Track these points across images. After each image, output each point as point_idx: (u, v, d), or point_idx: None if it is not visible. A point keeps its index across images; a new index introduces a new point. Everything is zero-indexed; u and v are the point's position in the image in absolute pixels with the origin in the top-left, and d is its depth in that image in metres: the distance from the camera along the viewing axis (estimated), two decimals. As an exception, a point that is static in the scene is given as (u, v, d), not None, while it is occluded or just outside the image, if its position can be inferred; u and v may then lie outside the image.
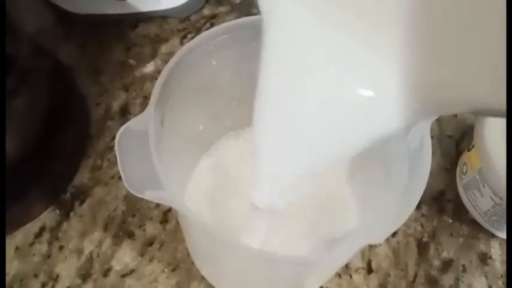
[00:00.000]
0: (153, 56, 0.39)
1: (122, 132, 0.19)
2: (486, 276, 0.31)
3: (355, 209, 0.23)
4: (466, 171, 0.32)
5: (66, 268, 0.30)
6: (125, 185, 0.18)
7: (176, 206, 0.18)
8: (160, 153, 0.19)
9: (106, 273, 0.30)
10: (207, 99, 0.26)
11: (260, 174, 0.17)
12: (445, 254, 0.31)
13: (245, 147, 0.26)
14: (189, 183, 0.26)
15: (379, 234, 0.17)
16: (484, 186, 0.30)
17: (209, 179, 0.24)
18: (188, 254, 0.30)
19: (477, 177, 0.30)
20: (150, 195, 0.18)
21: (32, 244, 0.31)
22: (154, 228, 0.31)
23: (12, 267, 0.30)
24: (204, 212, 0.19)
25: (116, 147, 0.18)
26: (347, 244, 0.17)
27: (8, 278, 0.29)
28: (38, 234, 0.31)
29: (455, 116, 0.37)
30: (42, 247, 0.30)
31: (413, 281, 0.30)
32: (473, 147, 0.31)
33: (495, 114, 0.13)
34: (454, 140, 0.36)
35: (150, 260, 0.30)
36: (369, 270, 0.31)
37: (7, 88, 0.27)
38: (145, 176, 0.18)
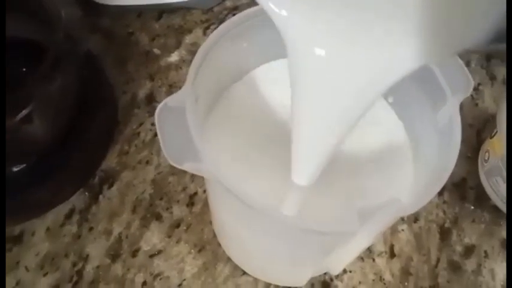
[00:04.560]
0: (177, 46, 0.40)
1: (161, 108, 0.20)
2: (508, 262, 0.31)
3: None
4: (488, 158, 0.32)
5: (96, 248, 0.31)
6: (166, 156, 0.19)
7: (213, 176, 0.18)
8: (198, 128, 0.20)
9: (134, 253, 0.30)
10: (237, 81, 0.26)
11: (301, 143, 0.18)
12: (467, 240, 0.32)
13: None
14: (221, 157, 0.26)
15: (410, 205, 0.18)
16: (507, 172, 0.30)
17: (241, 152, 0.25)
18: (214, 236, 0.31)
19: (500, 163, 0.31)
20: (188, 166, 0.19)
21: (62, 225, 0.31)
22: (181, 210, 0.32)
23: (43, 247, 0.31)
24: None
25: (156, 122, 0.19)
26: (380, 214, 0.18)
27: (39, 258, 0.30)
28: (68, 216, 0.32)
29: (476, 105, 0.37)
30: (72, 228, 0.31)
31: (436, 266, 0.31)
32: (495, 133, 0.31)
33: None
34: (475, 128, 0.36)
35: (177, 241, 0.31)
36: (392, 255, 0.31)
37: (42, 74, 0.28)
38: (183, 148, 0.19)
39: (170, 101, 0.20)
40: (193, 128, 0.19)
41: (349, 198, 0.21)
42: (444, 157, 0.19)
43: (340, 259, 0.26)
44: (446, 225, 0.32)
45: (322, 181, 0.19)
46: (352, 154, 0.24)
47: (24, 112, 0.25)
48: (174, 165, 0.19)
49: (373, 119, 0.25)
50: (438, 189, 0.18)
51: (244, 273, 0.30)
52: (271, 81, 0.27)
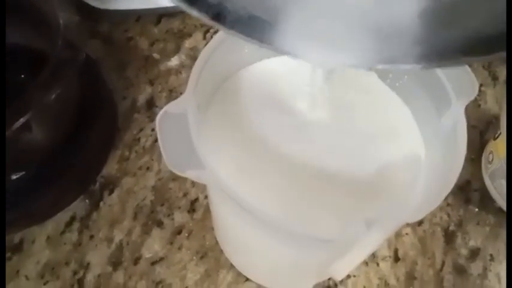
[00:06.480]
0: (177, 50, 0.39)
1: (162, 115, 0.19)
2: (514, 265, 0.31)
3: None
4: (492, 160, 0.32)
5: (97, 256, 0.30)
6: (167, 164, 0.18)
7: (215, 184, 0.18)
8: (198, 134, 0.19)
9: (136, 261, 0.30)
10: (236, 87, 0.26)
11: None
12: (472, 243, 0.31)
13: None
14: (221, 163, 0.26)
15: (416, 212, 0.18)
16: (511, 174, 0.30)
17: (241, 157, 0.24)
18: (216, 243, 0.30)
19: (504, 165, 0.30)
20: (190, 173, 0.18)
21: (62, 233, 0.31)
22: (183, 217, 0.31)
23: (43, 255, 0.30)
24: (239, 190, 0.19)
25: (157, 129, 0.19)
26: (385, 222, 0.17)
27: (39, 266, 0.30)
28: (69, 224, 0.31)
29: (479, 106, 0.37)
30: (72, 236, 0.31)
31: (441, 269, 0.30)
32: (499, 135, 0.31)
33: None
34: (478, 130, 0.36)
35: (179, 248, 0.30)
36: (396, 259, 0.31)
37: (41, 83, 0.27)
38: (185, 155, 0.19)
39: (171, 108, 0.20)
40: (195, 136, 0.19)
41: (358, 204, 0.21)
42: (449, 164, 0.18)
43: (344, 265, 0.26)
44: (451, 228, 0.32)
45: (330, 189, 0.19)
46: (366, 162, 0.23)
47: (22, 120, 0.24)
48: (176, 172, 0.18)
49: (392, 130, 0.24)
50: (443, 196, 0.18)
51: (247, 279, 0.29)
52: (264, 76, 0.26)
